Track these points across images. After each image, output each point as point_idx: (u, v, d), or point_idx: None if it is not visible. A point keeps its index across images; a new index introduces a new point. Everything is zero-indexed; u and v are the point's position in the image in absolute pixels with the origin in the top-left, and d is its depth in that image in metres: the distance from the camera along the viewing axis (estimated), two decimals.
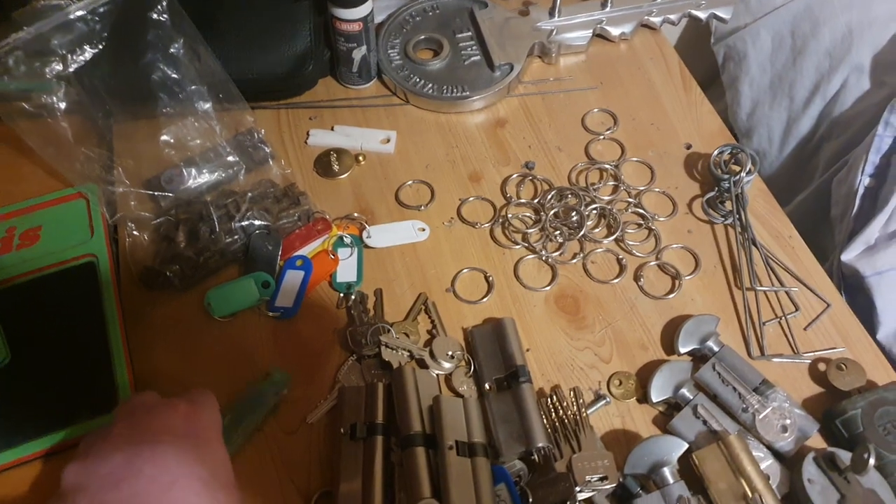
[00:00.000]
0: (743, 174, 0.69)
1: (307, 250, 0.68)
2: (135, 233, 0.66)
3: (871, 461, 0.50)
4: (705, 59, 1.29)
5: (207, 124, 0.70)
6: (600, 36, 0.85)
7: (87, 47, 0.65)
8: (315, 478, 0.56)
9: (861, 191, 0.97)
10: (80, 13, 0.64)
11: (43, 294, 0.62)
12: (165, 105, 0.69)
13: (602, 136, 0.76)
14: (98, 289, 0.62)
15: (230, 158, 0.71)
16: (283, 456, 0.57)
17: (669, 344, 0.62)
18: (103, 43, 0.66)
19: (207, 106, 0.70)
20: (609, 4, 0.83)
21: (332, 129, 0.77)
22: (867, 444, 0.51)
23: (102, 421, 0.55)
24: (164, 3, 0.66)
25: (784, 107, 1.15)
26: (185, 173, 0.70)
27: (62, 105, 0.65)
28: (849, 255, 0.95)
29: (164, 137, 0.70)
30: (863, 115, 1.04)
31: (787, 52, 1.14)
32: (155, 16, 0.67)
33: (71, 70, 0.65)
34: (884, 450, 0.53)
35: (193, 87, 0.69)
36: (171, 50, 0.68)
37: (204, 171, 0.70)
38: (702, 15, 0.85)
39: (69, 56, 0.65)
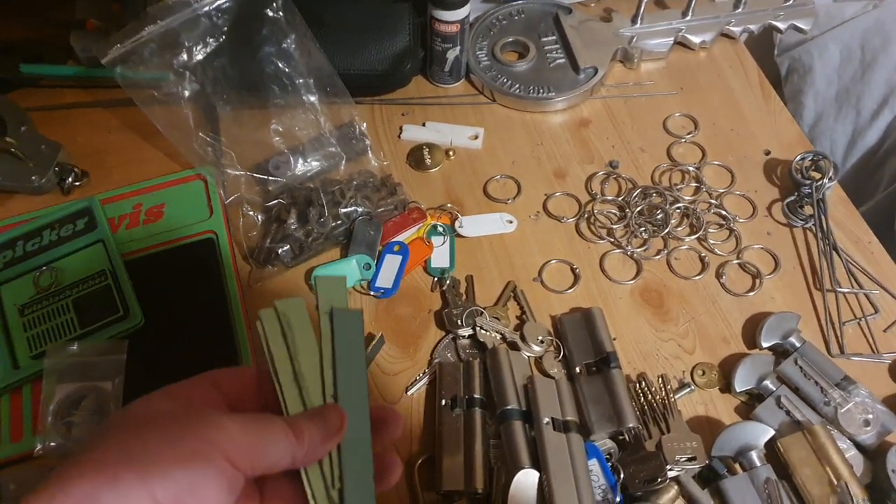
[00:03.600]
0: (825, 180, 0.71)
1: (404, 237, 0.72)
2: (249, 213, 0.71)
3: None
4: (766, 69, 1.31)
5: (313, 115, 0.75)
6: (681, 44, 0.88)
7: (210, 41, 0.71)
8: (416, 445, 0.60)
9: None
10: (205, 9, 0.69)
11: (169, 265, 0.67)
12: (276, 96, 0.74)
13: (683, 140, 0.80)
14: (218, 262, 0.67)
15: (332, 149, 0.76)
16: None
17: (750, 339, 0.65)
18: (224, 37, 0.71)
19: (314, 98, 0.75)
20: (690, 13, 0.86)
21: (424, 125, 0.82)
22: None
23: None
24: (280, 1, 0.71)
25: (850, 119, 1.16)
26: (292, 160, 0.75)
27: (186, 93, 0.71)
28: None
29: (273, 126, 0.74)
30: None
31: (856, 65, 1.15)
32: (270, 13, 0.72)
33: (195, 61, 0.71)
34: None
35: (302, 80, 0.74)
36: (284, 45, 0.73)
37: (309, 159, 0.75)
38: (781, 25, 0.87)
39: (194, 48, 0.71)
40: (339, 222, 0.71)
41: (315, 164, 0.75)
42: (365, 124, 0.77)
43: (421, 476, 0.58)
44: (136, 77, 0.69)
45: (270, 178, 0.74)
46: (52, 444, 0.57)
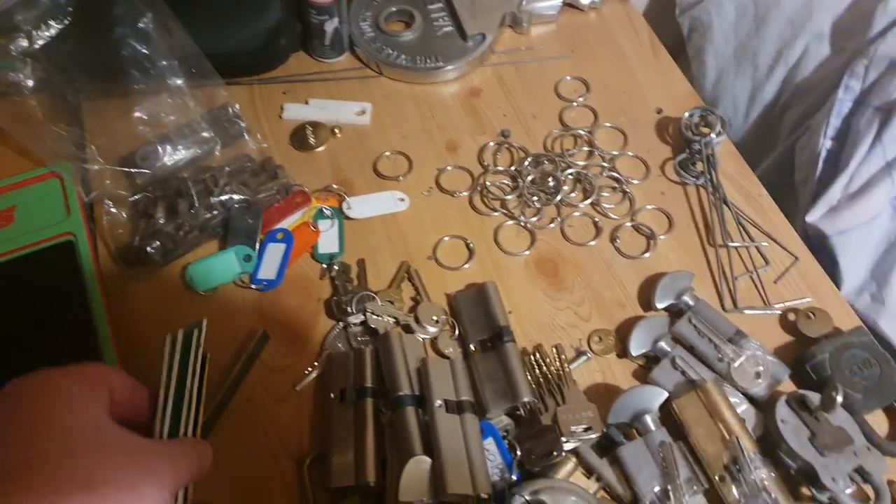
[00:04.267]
0: (713, 135, 0.71)
1: (287, 223, 0.68)
2: (112, 210, 0.65)
3: (839, 399, 0.52)
4: (671, 31, 1.31)
5: (181, 100, 0.70)
6: (570, 5, 0.86)
7: (52, 23, 0.65)
8: (306, 443, 0.57)
9: (823, 154, 1.00)
10: None
11: (22, 275, 0.61)
12: (137, 81, 0.68)
13: (575, 104, 0.78)
14: (78, 267, 0.61)
15: (205, 134, 0.71)
16: (274, 423, 0.57)
17: (646, 301, 0.64)
18: (69, 18, 0.65)
19: (180, 81, 0.69)
20: None
21: (307, 102, 0.77)
22: (835, 384, 0.54)
23: None
24: None
25: (748, 75, 1.18)
26: (161, 150, 0.69)
27: (30, 82, 0.65)
28: (813, 217, 0.99)
29: (137, 114, 0.69)
30: (824, 81, 1.07)
31: (750, 21, 1.16)
32: None
33: (37, 46, 0.64)
34: (850, 390, 0.56)
35: (165, 62, 0.69)
36: (140, 24, 0.67)
37: (179, 147, 0.70)
38: None
39: (34, 32, 0.64)
40: (214, 212, 0.66)
41: (187, 152, 0.70)
42: (238, 106, 0.72)
43: (312, 475, 0.55)
44: None
45: (138, 170, 0.68)
46: None
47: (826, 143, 1.00)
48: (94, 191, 0.66)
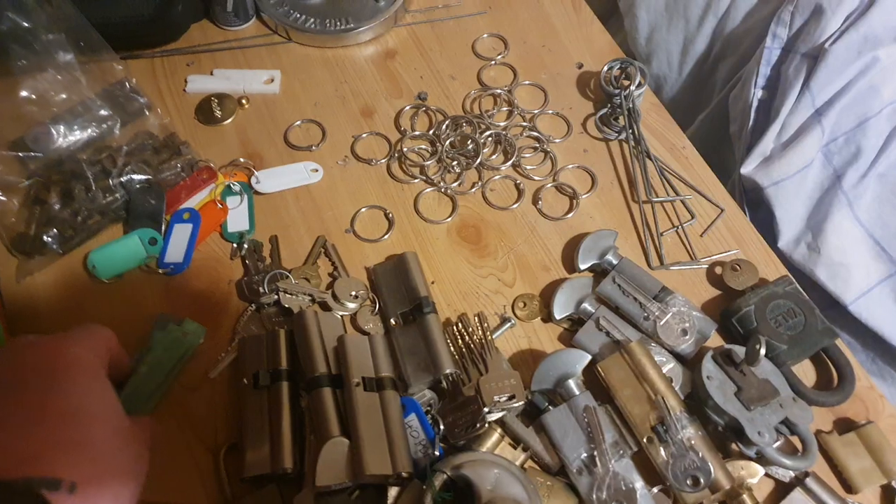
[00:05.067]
0: (633, 88, 0.69)
1: (194, 202, 0.64)
2: (2, 198, 0.61)
3: (762, 351, 0.51)
4: None
5: (71, 76, 0.65)
6: None
7: None
8: (221, 432, 0.54)
9: (755, 104, 0.99)
10: None
11: None
12: (20, 57, 0.63)
13: (494, 62, 0.75)
14: None
15: (102, 112, 0.66)
16: (187, 413, 0.55)
17: (571, 263, 0.62)
18: None
19: (69, 56, 0.64)
20: None
21: (212, 73, 0.73)
22: (758, 336, 0.53)
23: None
24: None
25: (680, 28, 1.16)
26: (54, 131, 0.64)
27: None
28: (747, 168, 0.98)
29: (23, 94, 0.64)
30: (752, 30, 1.06)
31: None
32: None
33: None
34: (776, 341, 0.56)
35: (50, 36, 0.64)
36: None
37: (74, 127, 0.65)
38: None
39: None
40: (115, 195, 0.62)
41: (83, 132, 0.65)
42: (135, 80, 0.68)
43: (228, 466, 0.52)
44: None
45: (29, 154, 0.63)
46: None
47: (757, 93, 1.00)
48: None
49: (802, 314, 0.57)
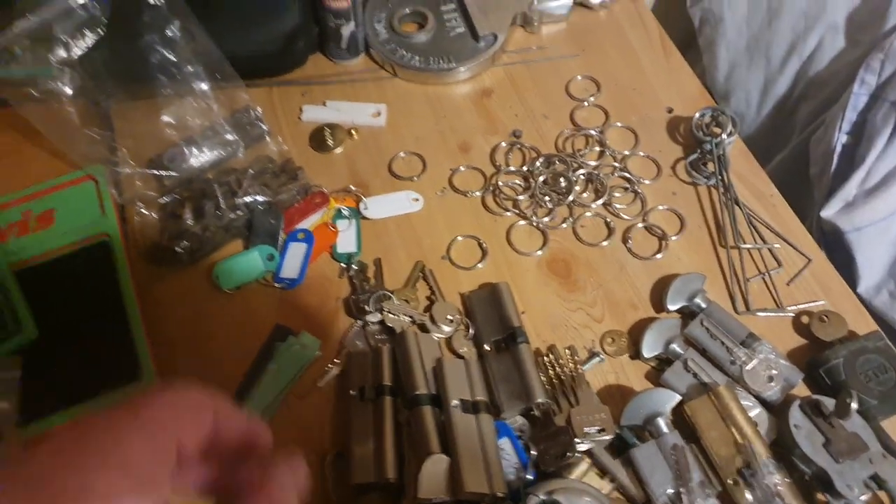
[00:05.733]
0: (724, 136, 0.71)
1: (308, 223, 0.70)
2: (143, 211, 0.68)
3: (854, 406, 0.53)
4: (682, 22, 1.31)
5: (205, 103, 0.72)
6: (580, 4, 0.86)
7: (88, 32, 0.66)
8: (327, 438, 0.59)
9: (838, 149, 1.00)
10: (80, 0, 0.65)
11: (62, 273, 0.64)
12: (164, 86, 0.70)
13: (586, 103, 0.79)
14: (113, 265, 0.64)
15: (229, 136, 0.72)
16: (296, 419, 0.60)
17: (658, 302, 0.65)
18: (102, 28, 0.67)
19: (204, 85, 0.71)
20: None
21: (324, 104, 0.79)
22: (849, 390, 0.55)
23: (126, 391, 0.58)
24: None
25: (761, 68, 1.18)
26: (187, 152, 0.71)
27: (67, 89, 0.66)
28: (828, 212, 0.99)
29: (164, 118, 0.71)
30: (838, 74, 1.07)
31: (763, 14, 1.16)
32: None
33: (74, 55, 0.66)
34: (865, 395, 0.57)
35: (190, 67, 0.70)
36: (167, 32, 0.69)
37: (204, 149, 0.72)
38: None
39: (71, 42, 0.66)
40: (238, 213, 0.68)
41: (212, 154, 0.72)
42: (260, 109, 0.74)
43: (332, 472, 0.57)
44: (7, 76, 0.64)
45: (166, 172, 0.70)
46: None
47: (842, 138, 1.01)
48: (126, 192, 0.68)
49: (893, 371, 0.58)
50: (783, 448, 0.55)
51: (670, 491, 0.53)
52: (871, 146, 0.93)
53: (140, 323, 0.62)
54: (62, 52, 0.66)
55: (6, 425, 0.56)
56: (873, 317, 0.88)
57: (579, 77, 0.81)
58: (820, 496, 0.54)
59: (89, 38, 0.67)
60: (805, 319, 0.63)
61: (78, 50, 0.67)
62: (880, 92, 0.96)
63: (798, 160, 1.10)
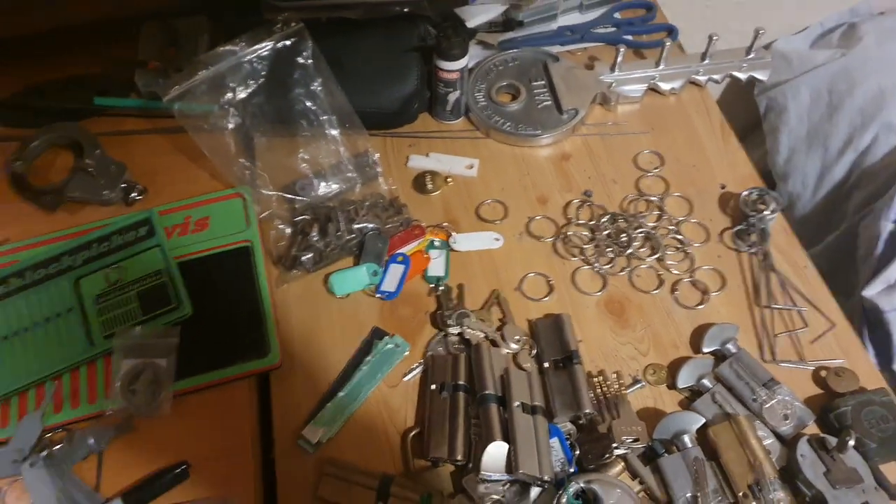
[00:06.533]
0: (767, 212, 0.83)
1: (406, 249, 0.85)
2: (279, 226, 0.84)
3: (851, 443, 0.63)
4: (749, 106, 1.43)
5: (334, 146, 0.89)
6: (653, 89, 1.00)
7: (251, 82, 0.85)
8: (408, 420, 0.72)
9: (885, 235, 1.09)
10: (248, 57, 0.84)
11: (212, 267, 0.81)
12: (304, 129, 0.88)
13: (650, 174, 0.92)
14: (253, 265, 0.81)
15: (350, 174, 0.89)
16: (386, 404, 0.73)
17: (696, 345, 0.76)
18: (262, 79, 0.85)
19: (335, 132, 0.88)
20: (662, 63, 0.99)
21: (428, 155, 0.95)
22: (849, 430, 0.65)
23: (257, 364, 0.73)
24: (309, 50, 0.85)
25: (818, 156, 1.28)
26: (315, 182, 0.88)
27: (229, 125, 0.84)
28: (870, 292, 1.08)
29: (300, 154, 0.88)
30: (889, 167, 1.17)
31: (824, 108, 1.27)
32: (301, 59, 0.85)
33: (238, 98, 0.85)
34: (867, 439, 0.67)
35: (326, 116, 0.88)
36: (312, 87, 0.86)
37: (329, 181, 0.88)
38: (742, 76, 1.00)
39: (237, 88, 0.85)
40: (353, 236, 0.84)
41: (334, 186, 0.89)
42: (378, 154, 0.90)
43: (413, 447, 0.70)
44: (188, 110, 0.83)
45: (297, 197, 0.87)
46: (120, 407, 0.71)
47: (888, 226, 1.10)
48: (266, 210, 0.85)
49: (894, 421, 0.68)
50: (790, 473, 0.65)
51: (689, 495, 0.64)
52: None
53: (271, 312, 0.78)
54: (229, 96, 0.85)
55: (165, 379, 0.72)
56: None
57: (646, 151, 0.95)
58: None
59: (251, 87, 0.85)
60: (823, 373, 0.73)
61: (241, 94, 0.85)
62: None
63: (847, 242, 1.19)
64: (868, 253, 1.14)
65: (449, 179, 0.92)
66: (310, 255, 0.82)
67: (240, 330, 0.76)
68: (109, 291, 0.78)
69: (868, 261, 1.13)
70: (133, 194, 0.86)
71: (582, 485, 0.64)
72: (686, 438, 0.67)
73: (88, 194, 0.85)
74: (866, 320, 1.10)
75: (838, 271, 1.17)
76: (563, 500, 0.63)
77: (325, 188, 0.88)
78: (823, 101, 1.27)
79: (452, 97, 0.94)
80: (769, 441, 0.68)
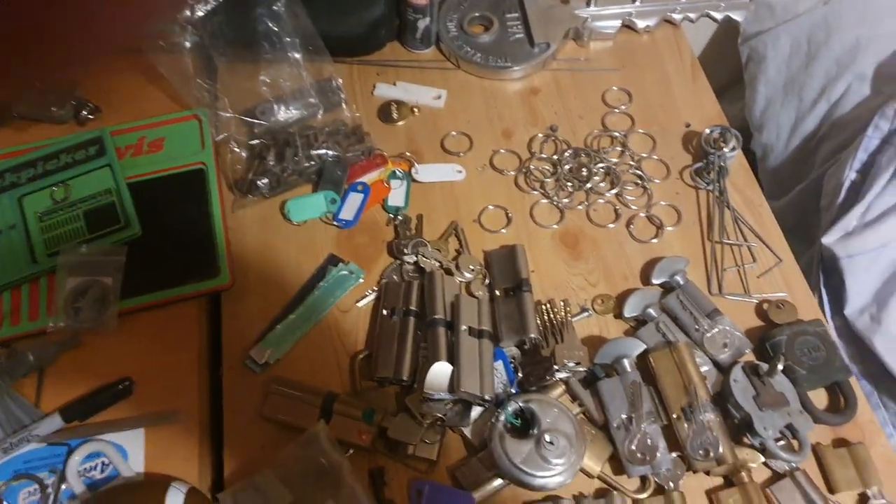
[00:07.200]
0: (726, 150, 0.83)
1: (367, 178, 0.85)
2: (235, 150, 0.84)
3: (780, 367, 0.65)
4: (735, 59, 1.42)
5: (297, 70, 0.87)
6: (627, 26, 0.99)
7: (211, 0, 0.83)
8: (359, 344, 0.73)
9: (847, 184, 1.10)
10: None
11: (165, 188, 0.81)
12: (265, 52, 0.86)
13: (617, 110, 0.91)
14: (206, 188, 0.80)
15: (312, 100, 0.88)
16: (338, 328, 0.75)
17: (646, 277, 0.78)
18: None
19: (298, 55, 0.87)
20: (638, 0, 0.97)
21: (395, 84, 0.94)
22: (780, 355, 0.67)
23: (207, 285, 0.74)
24: None
25: (793, 107, 1.28)
26: (276, 107, 0.87)
27: (187, 44, 0.83)
28: (828, 240, 1.09)
29: (262, 77, 0.87)
30: (859, 119, 1.17)
31: (802, 57, 1.26)
32: None
33: (197, 17, 0.83)
34: (797, 366, 0.69)
35: (289, 38, 0.86)
36: (275, 7, 0.85)
37: (290, 107, 0.87)
38: (717, 16, 0.99)
39: (196, 6, 0.83)
40: (312, 162, 0.83)
41: (296, 111, 0.88)
42: (341, 80, 0.89)
43: (361, 368, 0.72)
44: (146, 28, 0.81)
45: (256, 121, 0.86)
46: (62, 324, 0.71)
47: (851, 175, 1.11)
48: (223, 133, 0.84)
49: (825, 351, 0.70)
50: (722, 397, 0.67)
51: (624, 416, 0.66)
52: (874, 183, 1.03)
53: (223, 235, 0.78)
54: (188, 13, 0.83)
55: (111, 296, 0.73)
56: (856, 337, 0.98)
57: (615, 88, 0.94)
58: (745, 439, 0.65)
59: (210, 4, 0.83)
60: (766, 306, 0.75)
61: (200, 12, 0.83)
62: (890, 137, 1.06)
63: (813, 192, 1.20)
64: (830, 202, 1.14)
65: (415, 110, 0.92)
66: (266, 181, 0.82)
67: (190, 251, 0.77)
68: (54, 210, 0.77)
69: (830, 210, 1.14)
70: (84, 112, 0.85)
71: (520, 404, 0.65)
72: (626, 363, 0.69)
73: (36, 110, 0.84)
74: (823, 267, 1.12)
75: (804, 221, 1.18)
76: (502, 418, 0.65)
77: (285, 113, 0.87)
78: (802, 51, 1.26)
79: (422, 24, 0.93)
80: (706, 368, 0.70)
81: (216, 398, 0.72)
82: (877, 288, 1.03)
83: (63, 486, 0.64)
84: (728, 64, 1.43)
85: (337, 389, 0.70)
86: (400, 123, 0.91)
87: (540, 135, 0.89)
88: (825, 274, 1.11)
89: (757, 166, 1.33)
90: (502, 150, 0.88)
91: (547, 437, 0.63)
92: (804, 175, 1.25)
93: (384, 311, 0.74)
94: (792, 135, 1.29)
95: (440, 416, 0.66)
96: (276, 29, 0.85)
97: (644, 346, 0.70)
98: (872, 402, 0.94)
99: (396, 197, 0.84)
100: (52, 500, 0.64)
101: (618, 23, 0.98)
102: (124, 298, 0.73)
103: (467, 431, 0.67)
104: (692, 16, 0.99)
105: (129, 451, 0.66)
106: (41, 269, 0.74)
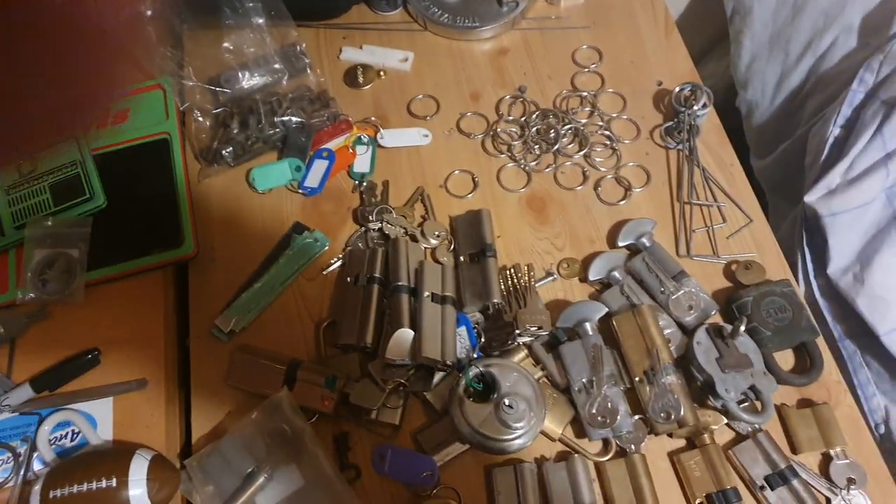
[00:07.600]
0: (697, 108, 0.81)
1: (332, 145, 0.84)
2: (199, 119, 0.83)
3: (742, 328, 0.65)
4: (719, 16, 1.38)
5: (260, 36, 0.86)
6: None
7: None
8: (325, 312, 0.73)
9: (830, 141, 1.08)
10: None
11: (130, 159, 0.80)
12: (228, 17, 0.85)
13: (587, 70, 0.90)
14: (170, 158, 0.80)
15: (276, 66, 0.86)
16: (303, 295, 0.74)
17: (613, 240, 0.77)
18: None
19: (261, 20, 0.85)
20: None
21: (361, 48, 0.92)
22: (743, 317, 0.66)
23: (171, 254, 0.74)
24: None
25: (779, 61, 1.25)
26: (240, 75, 0.86)
27: (149, 11, 0.81)
28: (811, 198, 1.07)
29: (225, 44, 0.85)
30: (845, 72, 1.14)
31: (788, 10, 1.23)
32: None
33: None
34: (763, 327, 0.68)
35: (251, 3, 0.84)
36: None
37: (255, 74, 0.86)
38: None
39: None
40: (276, 130, 0.82)
41: (260, 78, 0.86)
42: (305, 45, 0.88)
43: (325, 336, 0.72)
44: None
45: (221, 89, 0.85)
46: (31, 295, 0.72)
47: (835, 131, 1.08)
48: (187, 102, 0.83)
49: (792, 311, 0.69)
50: (686, 361, 0.67)
51: (585, 379, 0.66)
52: (858, 139, 1.01)
53: (187, 205, 0.77)
54: None
55: (78, 268, 0.73)
56: (839, 297, 0.97)
57: (585, 47, 0.92)
58: (708, 402, 0.65)
59: None
60: (734, 267, 0.74)
61: None
62: (875, 90, 1.03)
63: (798, 150, 1.18)
64: (814, 160, 1.12)
65: (382, 73, 0.90)
66: (230, 149, 0.81)
67: (155, 221, 0.76)
68: (20, 182, 0.77)
69: (813, 168, 1.12)
70: None
71: (481, 369, 0.65)
72: (588, 326, 0.68)
73: None
74: (805, 226, 1.11)
75: (789, 180, 1.16)
76: (463, 382, 0.65)
77: (250, 80, 0.86)
78: (788, 3, 1.22)
79: None
80: (670, 330, 0.69)
81: (185, 367, 0.72)
82: (860, 247, 1.01)
83: (34, 454, 0.65)
84: (716, 20, 1.39)
85: (302, 357, 0.70)
86: (366, 88, 0.89)
87: (508, 97, 0.88)
88: (808, 233, 1.09)
89: (743, 125, 1.30)
90: (469, 113, 0.87)
91: (506, 401, 0.63)
92: (789, 133, 1.23)
93: (348, 279, 0.74)
94: (777, 91, 1.26)
95: (402, 381, 0.66)
96: None
97: (606, 309, 0.70)
98: (855, 363, 0.93)
99: (362, 163, 0.83)
100: (24, 467, 0.65)
101: None
102: (91, 270, 0.73)
103: (429, 396, 0.67)
104: None
105: (98, 419, 0.67)
106: (9, 241, 0.74)
